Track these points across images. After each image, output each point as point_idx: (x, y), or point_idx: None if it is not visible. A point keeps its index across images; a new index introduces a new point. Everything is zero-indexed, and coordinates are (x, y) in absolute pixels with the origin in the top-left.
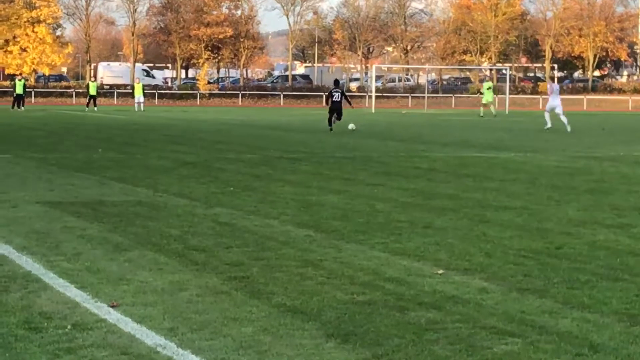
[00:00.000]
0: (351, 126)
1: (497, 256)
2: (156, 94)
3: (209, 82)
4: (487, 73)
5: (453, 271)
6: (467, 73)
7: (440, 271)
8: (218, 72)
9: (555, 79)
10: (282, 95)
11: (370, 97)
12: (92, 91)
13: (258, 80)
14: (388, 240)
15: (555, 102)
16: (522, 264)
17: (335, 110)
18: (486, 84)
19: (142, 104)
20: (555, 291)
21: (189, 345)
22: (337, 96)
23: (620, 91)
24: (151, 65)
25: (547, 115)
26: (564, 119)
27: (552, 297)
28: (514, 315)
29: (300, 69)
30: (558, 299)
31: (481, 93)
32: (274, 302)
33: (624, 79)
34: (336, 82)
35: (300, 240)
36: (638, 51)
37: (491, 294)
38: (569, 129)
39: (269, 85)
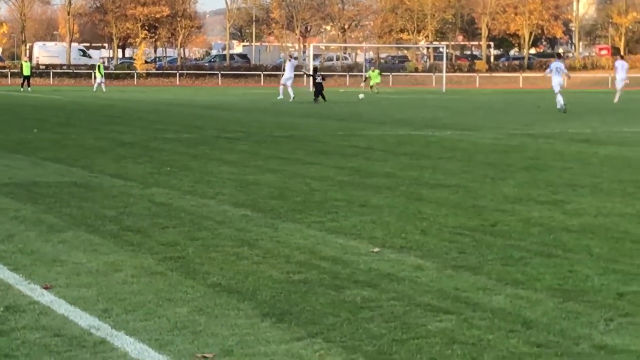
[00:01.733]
0: (361, 96)
1: (432, 234)
2: (92, 74)
3: (146, 62)
4: (424, 52)
5: (389, 249)
6: (405, 51)
7: (376, 249)
8: (155, 51)
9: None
10: (219, 75)
11: (308, 75)
12: (26, 71)
13: (196, 59)
14: (324, 219)
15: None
16: (457, 241)
17: (321, 90)
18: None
19: (103, 84)
20: (489, 268)
21: (123, 326)
22: (319, 79)
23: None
24: (87, 45)
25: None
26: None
27: (486, 274)
28: (449, 292)
29: (238, 48)
30: (492, 276)
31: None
32: (209, 282)
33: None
34: (315, 69)
35: (237, 219)
36: (573, 29)
37: (426, 272)
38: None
39: (207, 64)
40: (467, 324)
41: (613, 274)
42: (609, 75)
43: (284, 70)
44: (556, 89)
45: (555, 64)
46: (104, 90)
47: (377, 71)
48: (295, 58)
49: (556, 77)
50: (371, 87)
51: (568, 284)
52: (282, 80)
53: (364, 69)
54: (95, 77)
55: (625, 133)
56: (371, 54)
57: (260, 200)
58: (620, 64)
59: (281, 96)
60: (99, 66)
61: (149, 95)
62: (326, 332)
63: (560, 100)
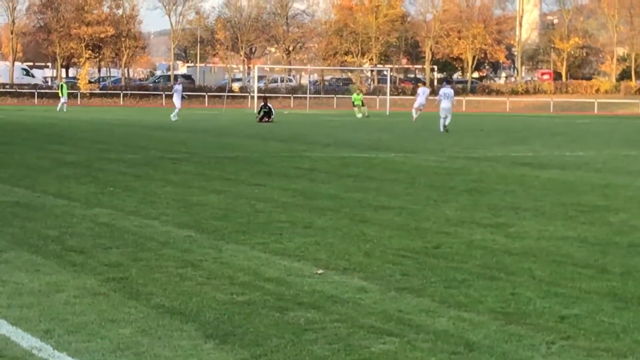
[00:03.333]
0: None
1: (376, 255)
2: (36, 93)
3: (89, 82)
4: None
5: (332, 271)
6: (349, 74)
7: (320, 271)
8: (99, 71)
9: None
10: (164, 95)
11: (252, 97)
12: None
13: (140, 80)
14: (269, 240)
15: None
16: (401, 264)
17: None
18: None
19: (65, 105)
20: (432, 290)
21: (65, 347)
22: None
23: (499, 92)
24: (31, 64)
25: None
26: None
27: (429, 296)
28: (392, 315)
29: (182, 68)
30: (435, 298)
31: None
32: (152, 303)
33: (502, 81)
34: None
35: (181, 240)
36: (516, 53)
37: (370, 293)
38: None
39: (151, 85)
40: (410, 346)
41: (555, 297)
42: (550, 100)
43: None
44: (442, 114)
45: (444, 90)
46: (65, 110)
47: (360, 95)
48: (180, 84)
49: (445, 102)
50: (359, 106)
51: (510, 307)
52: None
53: (308, 91)
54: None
55: (567, 157)
56: (316, 76)
57: (204, 221)
58: (422, 90)
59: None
60: (61, 86)
61: (93, 115)
62: (270, 354)
63: (441, 124)
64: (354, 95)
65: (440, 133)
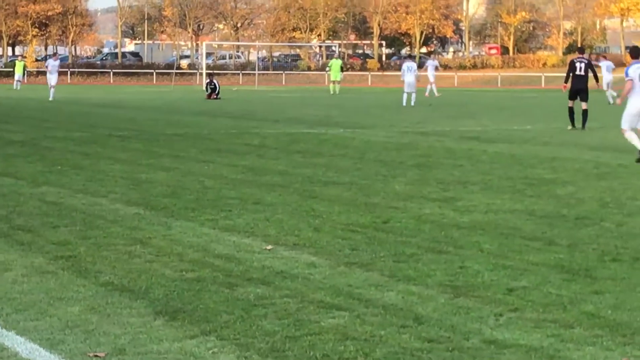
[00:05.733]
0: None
1: (325, 231)
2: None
3: (36, 60)
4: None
5: (282, 246)
6: (297, 50)
7: (269, 247)
8: (46, 49)
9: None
10: (111, 73)
11: (201, 74)
12: None
13: (87, 57)
14: (218, 217)
15: None
16: (350, 238)
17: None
18: (336, 62)
19: (19, 83)
20: (381, 264)
21: (13, 325)
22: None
23: (447, 67)
24: None
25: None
26: None
27: (378, 270)
28: (341, 289)
29: (130, 46)
30: (384, 272)
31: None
32: (101, 280)
33: (450, 56)
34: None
35: (129, 218)
36: (463, 28)
37: (319, 269)
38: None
39: (99, 62)
40: (359, 320)
41: (503, 269)
42: (498, 74)
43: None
44: (406, 88)
45: (407, 64)
46: (18, 88)
47: (339, 62)
48: (57, 59)
49: (409, 76)
50: (333, 82)
51: (459, 280)
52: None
53: (256, 68)
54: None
55: (515, 131)
56: (264, 52)
57: (153, 198)
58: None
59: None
60: (17, 63)
61: (39, 93)
62: (219, 330)
63: (404, 98)
64: (334, 61)
65: (403, 108)
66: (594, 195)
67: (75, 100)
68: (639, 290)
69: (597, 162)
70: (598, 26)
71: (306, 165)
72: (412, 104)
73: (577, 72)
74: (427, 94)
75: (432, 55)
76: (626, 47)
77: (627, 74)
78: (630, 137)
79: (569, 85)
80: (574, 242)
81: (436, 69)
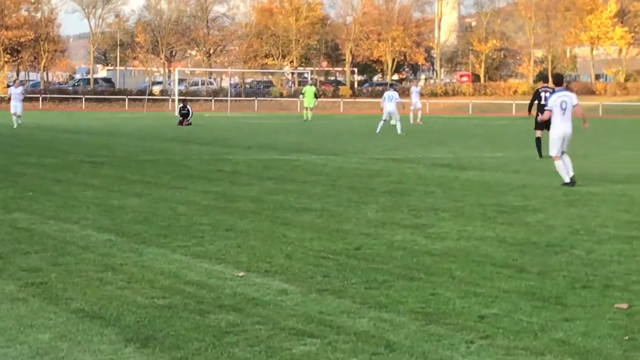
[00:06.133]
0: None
1: (297, 257)
2: None
3: (8, 86)
4: (289, 77)
5: (254, 273)
6: (270, 77)
7: (241, 273)
8: (18, 75)
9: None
10: (83, 99)
11: (173, 100)
12: None
13: (59, 83)
14: (190, 243)
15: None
16: (322, 265)
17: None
18: (309, 88)
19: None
20: (353, 291)
21: None
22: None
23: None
24: None
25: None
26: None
27: (350, 297)
28: (313, 316)
29: (102, 72)
30: (356, 299)
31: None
32: (72, 307)
33: (421, 83)
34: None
35: (101, 244)
36: (435, 55)
37: (291, 295)
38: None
39: (71, 88)
40: (331, 347)
41: (474, 296)
42: (469, 102)
43: None
44: (385, 116)
45: (388, 93)
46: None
47: (312, 88)
48: (19, 85)
49: (389, 104)
50: (306, 109)
51: (430, 307)
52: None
53: (229, 94)
54: None
55: (486, 158)
56: (237, 79)
57: (125, 224)
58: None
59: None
60: None
61: (10, 119)
62: (190, 357)
63: (380, 126)
64: (307, 88)
65: (377, 135)
66: (564, 222)
67: (47, 126)
68: (609, 318)
69: (566, 189)
70: (568, 54)
71: (278, 191)
72: (399, 132)
73: (543, 102)
74: (416, 121)
75: (415, 82)
76: (596, 76)
77: (546, 104)
78: (559, 166)
79: (534, 113)
80: (544, 269)
81: (421, 95)
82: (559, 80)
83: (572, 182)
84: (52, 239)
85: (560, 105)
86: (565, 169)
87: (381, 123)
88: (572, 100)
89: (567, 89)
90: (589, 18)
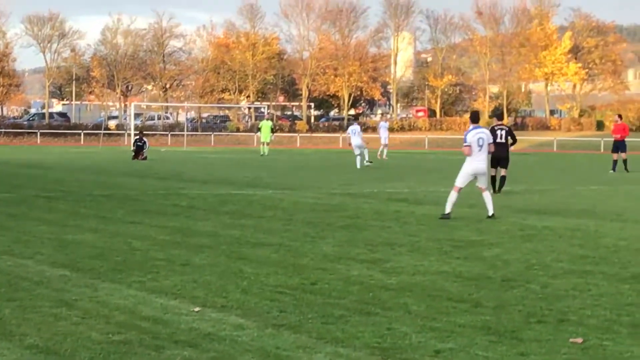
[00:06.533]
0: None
1: (253, 292)
2: None
3: None
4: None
5: (210, 308)
6: (226, 111)
7: (197, 309)
8: None
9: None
10: (39, 133)
11: (129, 135)
12: None
13: (14, 118)
14: (145, 278)
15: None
16: (278, 300)
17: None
18: (266, 123)
19: None
20: (310, 326)
21: None
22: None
23: (375, 129)
24: None
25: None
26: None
27: (306, 332)
28: (270, 351)
29: (57, 106)
30: (312, 334)
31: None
32: (26, 343)
33: (378, 118)
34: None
35: (55, 280)
36: (391, 91)
37: (247, 330)
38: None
39: (26, 123)
40: None
41: (430, 331)
42: (425, 137)
43: None
44: (356, 151)
45: (353, 127)
46: None
47: (269, 123)
48: None
49: (355, 139)
50: (262, 143)
51: (386, 342)
52: None
53: (185, 129)
54: None
55: (442, 192)
56: (193, 113)
57: (80, 260)
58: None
59: None
60: None
61: None
62: None
63: (359, 160)
64: (264, 123)
65: (358, 169)
66: (519, 257)
67: (2, 161)
68: (564, 352)
69: (522, 224)
70: (523, 89)
71: (235, 226)
72: (365, 162)
73: (499, 140)
74: (382, 156)
75: (383, 116)
76: (551, 111)
77: (465, 140)
78: (452, 196)
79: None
80: (500, 303)
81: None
82: (475, 118)
83: (448, 216)
84: (5, 275)
85: (478, 141)
86: (451, 203)
87: (358, 158)
88: (489, 138)
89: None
90: (543, 54)
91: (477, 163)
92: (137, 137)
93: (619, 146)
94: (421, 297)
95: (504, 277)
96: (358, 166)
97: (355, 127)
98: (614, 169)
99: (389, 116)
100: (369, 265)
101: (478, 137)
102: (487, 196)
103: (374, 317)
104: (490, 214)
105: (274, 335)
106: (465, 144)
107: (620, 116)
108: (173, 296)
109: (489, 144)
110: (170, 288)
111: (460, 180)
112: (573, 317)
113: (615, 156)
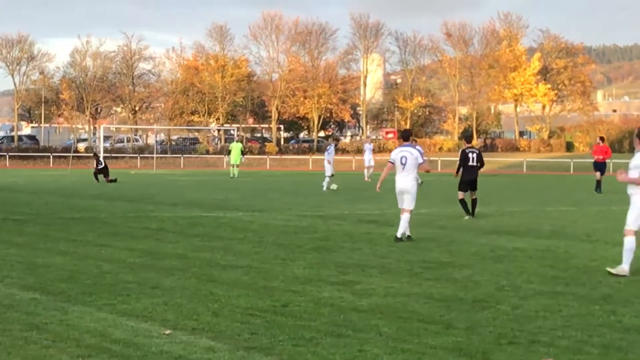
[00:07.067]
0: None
1: (224, 315)
2: None
3: None
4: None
5: (181, 331)
6: (196, 133)
7: (168, 331)
8: None
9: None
10: (7, 156)
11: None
12: None
13: None
14: (115, 301)
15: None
16: (249, 322)
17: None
18: (236, 145)
19: None
20: (281, 348)
21: None
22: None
23: (344, 151)
24: None
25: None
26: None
27: (277, 354)
28: None
29: (26, 129)
30: (284, 357)
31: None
32: None
33: (347, 140)
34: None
35: (25, 303)
36: (361, 112)
37: (218, 353)
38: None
39: None
40: None
41: (401, 353)
42: None
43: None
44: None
45: (332, 149)
46: None
47: (239, 145)
48: None
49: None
50: (232, 165)
51: None
52: None
53: (154, 151)
54: None
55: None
56: (162, 136)
57: (50, 283)
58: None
59: None
60: None
61: None
62: None
63: (326, 183)
64: (234, 144)
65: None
66: (490, 278)
67: None
68: None
69: (493, 245)
70: (493, 111)
71: (205, 249)
72: (325, 189)
73: (470, 163)
74: (369, 178)
75: (368, 139)
76: (520, 133)
77: (391, 157)
78: (403, 219)
79: (460, 174)
80: (471, 325)
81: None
82: (405, 136)
83: (400, 239)
84: None
85: (401, 160)
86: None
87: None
88: (416, 158)
89: (413, 145)
90: (512, 75)
91: (399, 182)
92: (96, 160)
93: (599, 167)
94: (392, 319)
95: (474, 298)
96: (335, 187)
97: (332, 149)
98: (599, 190)
99: (358, 138)
100: (339, 287)
101: (401, 155)
102: (405, 219)
103: (345, 339)
104: (399, 235)
105: (245, 357)
106: (389, 161)
107: (602, 138)
108: (144, 319)
109: (420, 164)
110: (141, 311)
111: (399, 203)
112: (544, 338)
113: (598, 176)
